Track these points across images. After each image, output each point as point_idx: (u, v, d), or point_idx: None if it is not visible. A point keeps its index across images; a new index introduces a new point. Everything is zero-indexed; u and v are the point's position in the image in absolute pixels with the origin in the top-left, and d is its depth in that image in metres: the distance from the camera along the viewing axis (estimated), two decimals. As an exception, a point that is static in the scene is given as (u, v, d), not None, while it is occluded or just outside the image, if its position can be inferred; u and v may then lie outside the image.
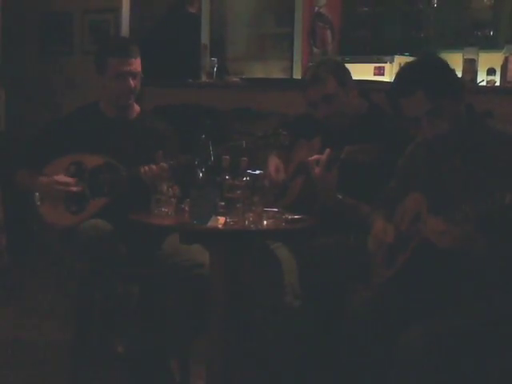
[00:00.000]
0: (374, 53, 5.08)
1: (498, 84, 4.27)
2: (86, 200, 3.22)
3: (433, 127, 2.37)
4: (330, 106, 3.10)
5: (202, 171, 2.89)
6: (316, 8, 5.29)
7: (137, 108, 3.42)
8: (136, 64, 3.27)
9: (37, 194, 3.28)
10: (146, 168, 3.11)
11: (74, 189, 3.21)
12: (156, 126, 3.40)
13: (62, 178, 3.22)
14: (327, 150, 2.90)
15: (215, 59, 5.14)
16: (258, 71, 5.53)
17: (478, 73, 4.21)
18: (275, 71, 5.47)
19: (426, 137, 2.41)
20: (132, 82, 3.26)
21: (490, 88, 4.14)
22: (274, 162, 3.31)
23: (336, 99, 3.11)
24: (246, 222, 2.75)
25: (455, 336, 2.21)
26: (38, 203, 3.27)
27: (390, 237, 2.51)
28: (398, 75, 2.48)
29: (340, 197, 2.94)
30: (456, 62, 5.01)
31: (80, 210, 3.21)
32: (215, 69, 5.07)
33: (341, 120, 3.12)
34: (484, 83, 4.25)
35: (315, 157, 2.93)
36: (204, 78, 5.12)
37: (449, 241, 2.23)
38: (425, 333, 2.21)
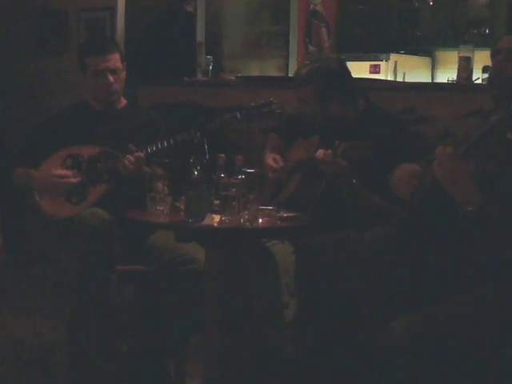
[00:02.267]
0: (369, 51, 5.09)
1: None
2: (86, 189, 3.24)
3: (503, 62, 2.41)
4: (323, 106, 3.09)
5: (197, 169, 2.89)
6: (311, 6, 5.29)
7: (123, 101, 3.45)
8: (114, 60, 3.30)
9: (35, 191, 3.28)
10: (125, 162, 3.14)
11: (74, 180, 3.23)
12: (143, 115, 3.45)
13: (59, 171, 3.23)
14: (340, 143, 2.89)
15: (211, 57, 5.13)
16: (254, 69, 5.53)
17: (474, 71, 4.21)
18: (271, 69, 5.47)
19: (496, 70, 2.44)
20: (111, 78, 3.29)
21: (486, 86, 4.14)
22: (271, 154, 3.31)
23: (325, 100, 3.10)
24: (242, 220, 2.74)
25: (439, 330, 2.20)
26: (38, 199, 3.28)
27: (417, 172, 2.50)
28: None
29: (354, 181, 2.93)
30: (452, 59, 5.03)
31: (81, 200, 3.23)
32: (211, 67, 5.06)
33: (330, 121, 3.11)
34: (479, 81, 4.25)
35: (321, 151, 2.92)
36: (199, 77, 5.11)
37: (448, 173, 2.21)
38: (409, 326, 2.19)
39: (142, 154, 3.15)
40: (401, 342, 2.18)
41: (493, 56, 2.51)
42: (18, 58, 5.57)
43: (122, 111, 3.42)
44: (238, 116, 3.16)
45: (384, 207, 2.71)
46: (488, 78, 2.49)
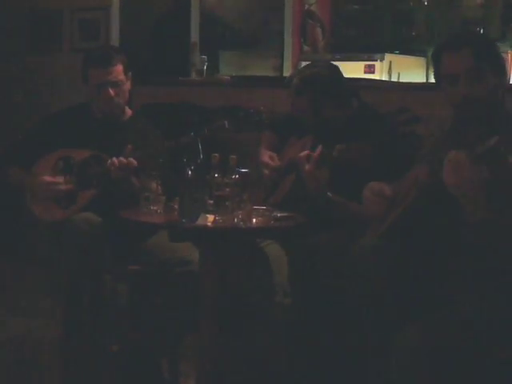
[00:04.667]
0: (364, 51, 5.08)
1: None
2: (75, 193, 3.24)
3: (468, 87, 2.37)
4: (314, 113, 3.11)
5: (190, 169, 2.88)
6: (306, 6, 5.28)
7: (128, 111, 3.43)
8: (116, 72, 3.27)
9: (27, 192, 3.28)
10: (114, 159, 3.12)
11: (64, 187, 3.22)
12: (144, 131, 3.42)
13: (50, 178, 3.23)
14: (319, 147, 2.90)
15: (205, 57, 5.13)
16: (248, 69, 5.52)
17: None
18: (265, 69, 5.46)
19: (459, 96, 2.39)
20: (112, 92, 3.27)
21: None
22: (266, 152, 3.31)
23: (319, 107, 3.11)
24: (235, 220, 2.73)
25: (452, 336, 2.20)
26: (29, 200, 3.28)
27: (386, 190, 2.51)
28: (450, 34, 2.53)
29: (330, 195, 2.93)
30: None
31: (70, 204, 3.22)
32: (205, 66, 5.06)
33: (328, 124, 3.12)
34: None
35: (305, 152, 2.92)
36: (193, 76, 5.11)
37: (461, 179, 2.17)
38: (421, 333, 2.19)
39: (134, 161, 3.13)
40: (414, 346, 2.17)
41: (447, 81, 2.45)
42: (11, 57, 5.55)
43: (123, 123, 3.41)
44: (226, 125, 3.14)
45: (362, 215, 2.70)
46: (454, 103, 2.45)
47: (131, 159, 3.13)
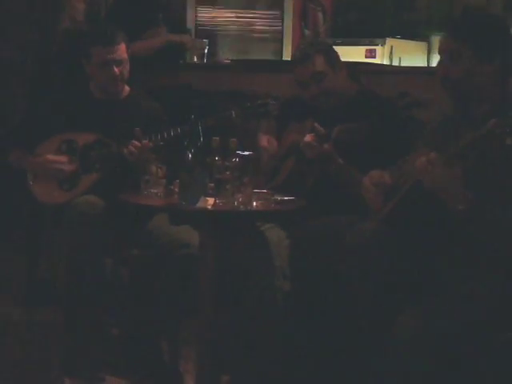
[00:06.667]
0: (365, 35, 5.08)
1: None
2: (77, 176, 3.23)
3: (447, 67, 2.41)
4: (319, 85, 3.13)
5: (191, 152, 2.88)
6: (307, -10, 5.28)
7: (126, 88, 3.42)
8: (120, 51, 3.26)
9: (29, 173, 3.28)
10: (131, 147, 3.11)
11: (66, 167, 3.22)
12: (145, 105, 3.42)
13: (53, 157, 3.23)
14: (317, 127, 2.93)
15: (206, 41, 5.12)
16: (249, 53, 5.52)
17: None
18: (266, 53, 5.46)
19: (440, 74, 2.44)
20: (117, 70, 3.26)
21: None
22: (264, 136, 3.32)
23: (325, 78, 3.13)
24: (236, 203, 2.74)
25: (448, 326, 2.20)
26: (31, 182, 3.28)
27: (386, 179, 2.51)
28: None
29: (341, 162, 2.96)
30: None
31: (72, 187, 3.23)
32: (206, 50, 5.05)
33: (329, 100, 3.14)
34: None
35: (308, 136, 2.95)
36: (192, 60, 5.09)
37: (434, 179, 2.22)
38: (417, 322, 2.20)
39: (149, 143, 3.13)
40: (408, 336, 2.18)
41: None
42: (10, 37, 5.53)
43: (123, 100, 3.40)
44: (233, 115, 3.15)
45: None
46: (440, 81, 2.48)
47: (145, 141, 3.13)
